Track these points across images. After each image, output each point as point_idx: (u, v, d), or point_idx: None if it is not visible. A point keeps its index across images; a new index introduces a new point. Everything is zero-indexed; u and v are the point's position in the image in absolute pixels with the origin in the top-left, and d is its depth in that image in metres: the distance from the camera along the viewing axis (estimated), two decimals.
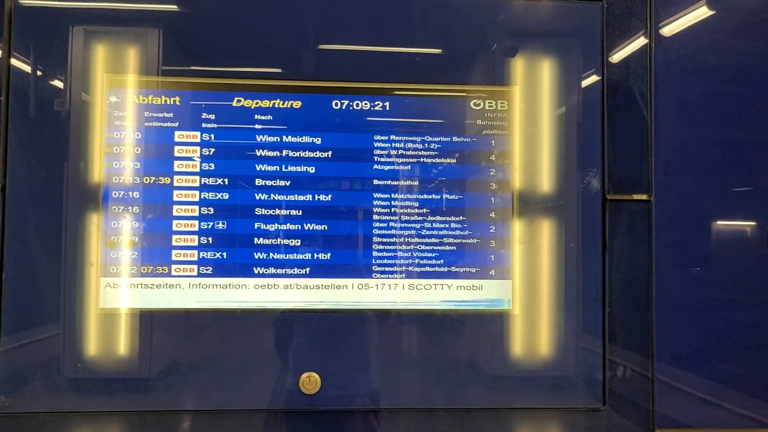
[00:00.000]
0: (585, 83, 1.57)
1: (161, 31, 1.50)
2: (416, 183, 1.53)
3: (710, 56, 1.55)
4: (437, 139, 1.53)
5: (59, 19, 1.48)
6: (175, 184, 1.49)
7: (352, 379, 1.49)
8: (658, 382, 1.51)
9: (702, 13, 1.55)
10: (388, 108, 1.53)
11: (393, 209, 1.52)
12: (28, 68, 1.48)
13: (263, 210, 1.50)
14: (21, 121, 1.46)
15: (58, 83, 1.48)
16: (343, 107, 1.52)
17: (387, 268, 1.51)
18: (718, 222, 1.54)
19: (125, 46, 1.50)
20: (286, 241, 1.50)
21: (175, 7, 1.51)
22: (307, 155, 1.51)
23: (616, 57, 1.58)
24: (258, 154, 1.50)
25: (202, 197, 1.49)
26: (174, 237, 1.48)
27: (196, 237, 1.48)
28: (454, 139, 1.54)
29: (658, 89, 1.55)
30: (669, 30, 1.56)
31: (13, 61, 1.47)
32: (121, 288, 1.47)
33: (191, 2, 1.52)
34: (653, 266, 1.53)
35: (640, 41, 1.57)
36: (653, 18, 1.56)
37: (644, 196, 1.56)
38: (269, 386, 1.48)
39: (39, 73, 1.48)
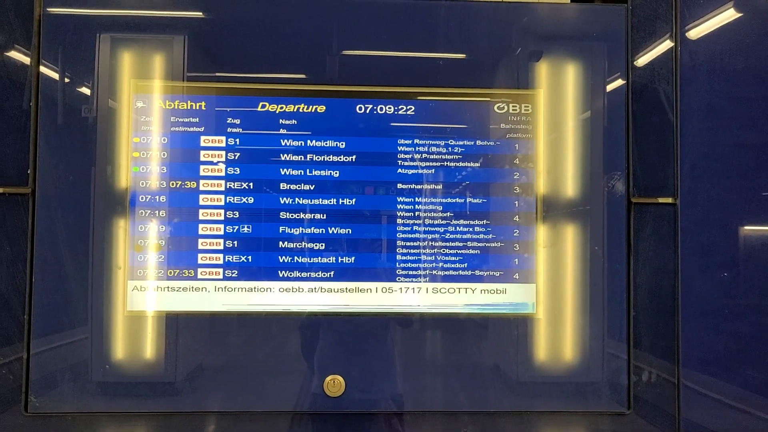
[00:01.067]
0: (610, 86, 1.56)
1: (187, 37, 1.51)
2: (440, 187, 1.53)
3: (737, 58, 1.54)
4: (461, 142, 1.53)
5: (86, 27, 1.50)
6: (201, 188, 1.50)
7: (376, 382, 1.50)
8: (684, 387, 1.50)
9: (729, 15, 1.54)
10: (412, 112, 1.53)
11: (417, 213, 1.52)
12: (56, 75, 1.50)
13: (288, 214, 1.51)
14: (49, 126, 1.49)
15: (85, 89, 1.50)
16: (367, 111, 1.53)
17: (411, 272, 1.51)
18: (745, 226, 1.52)
19: (151, 52, 1.52)
20: (310, 245, 1.51)
21: (201, 13, 1.53)
22: (331, 159, 1.52)
23: (642, 59, 1.57)
24: (283, 159, 1.51)
25: (228, 201, 1.50)
26: (200, 240, 1.50)
27: (221, 240, 1.50)
28: (478, 142, 1.53)
29: (684, 92, 1.54)
30: (695, 32, 1.55)
31: (42, 68, 1.49)
32: (148, 291, 1.49)
33: (216, 9, 1.53)
34: (679, 270, 1.52)
35: (666, 43, 1.56)
36: (679, 20, 1.55)
37: (670, 200, 1.55)
38: (294, 388, 1.49)
39: (67, 79, 1.50)
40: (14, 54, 1.50)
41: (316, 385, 1.48)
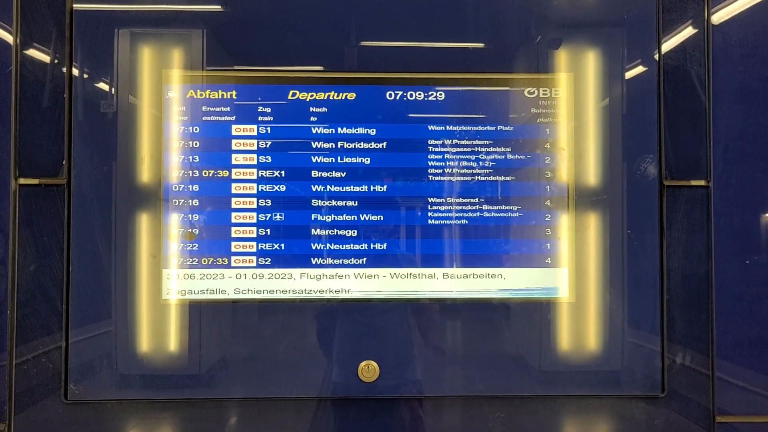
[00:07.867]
0: (640, 68, 1.55)
1: (216, 27, 1.52)
2: (471, 172, 1.53)
3: None
4: (492, 128, 1.53)
5: (117, 19, 1.51)
6: (233, 177, 1.52)
7: (410, 368, 1.51)
8: (718, 370, 1.49)
9: None
10: (442, 98, 1.53)
11: (448, 198, 1.52)
12: (87, 67, 1.51)
13: (319, 201, 1.52)
14: (83, 117, 1.50)
15: (117, 81, 1.51)
16: (398, 98, 1.53)
17: (443, 258, 1.52)
18: None
19: (182, 42, 1.53)
20: (342, 232, 1.51)
21: (231, 3, 1.53)
22: (362, 146, 1.52)
23: (673, 41, 1.56)
24: (314, 146, 1.52)
25: (260, 189, 1.51)
26: (233, 229, 1.51)
27: (254, 229, 1.51)
28: (509, 127, 1.53)
29: (717, 73, 1.53)
30: (727, 12, 1.53)
31: (74, 60, 1.50)
32: (183, 279, 1.50)
33: None
34: (712, 253, 1.52)
35: (698, 24, 1.55)
36: (711, 0, 1.54)
37: (703, 182, 1.54)
38: (328, 374, 1.50)
39: (98, 71, 1.51)
40: (47, 47, 1.52)
41: (350, 371, 1.49)
